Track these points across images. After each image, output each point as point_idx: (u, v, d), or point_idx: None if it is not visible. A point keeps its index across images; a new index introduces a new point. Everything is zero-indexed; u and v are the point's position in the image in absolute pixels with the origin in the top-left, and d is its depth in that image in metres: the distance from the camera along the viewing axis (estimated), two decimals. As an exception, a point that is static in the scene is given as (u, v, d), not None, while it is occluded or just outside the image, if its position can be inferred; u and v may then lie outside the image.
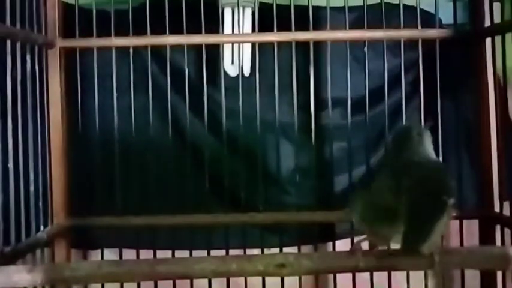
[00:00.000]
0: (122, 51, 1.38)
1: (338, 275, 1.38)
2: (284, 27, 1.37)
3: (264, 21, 1.39)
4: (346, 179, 1.42)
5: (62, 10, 1.38)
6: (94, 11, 1.37)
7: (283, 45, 1.38)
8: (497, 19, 1.29)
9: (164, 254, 1.35)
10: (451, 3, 1.39)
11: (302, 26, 1.37)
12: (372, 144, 1.42)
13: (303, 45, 1.38)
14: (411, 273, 1.36)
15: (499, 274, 1.28)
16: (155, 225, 1.38)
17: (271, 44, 1.37)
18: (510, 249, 0.84)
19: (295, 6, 1.37)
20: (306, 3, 1.37)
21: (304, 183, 1.44)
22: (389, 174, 0.85)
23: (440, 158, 1.35)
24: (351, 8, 1.38)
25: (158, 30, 1.37)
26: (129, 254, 1.40)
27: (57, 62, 1.35)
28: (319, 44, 1.40)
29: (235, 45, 1.41)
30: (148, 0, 1.37)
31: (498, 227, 1.29)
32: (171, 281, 1.37)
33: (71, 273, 0.88)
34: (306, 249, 1.45)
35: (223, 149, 1.40)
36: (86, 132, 1.39)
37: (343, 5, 1.37)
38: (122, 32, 1.37)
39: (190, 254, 1.35)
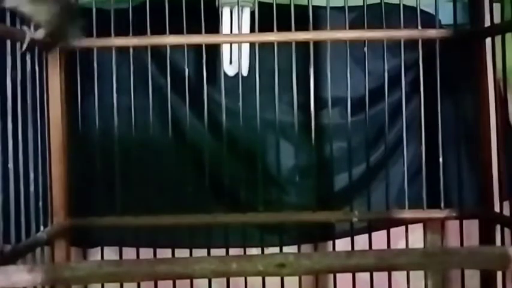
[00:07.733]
0: (122, 51, 1.38)
1: (338, 275, 1.38)
2: (283, 27, 1.37)
3: (262, 21, 1.38)
4: (346, 179, 1.42)
5: (62, 10, 1.38)
6: (94, 11, 1.37)
7: (282, 45, 1.37)
8: (497, 19, 1.29)
9: (164, 252, 1.35)
10: (451, 4, 1.39)
11: (302, 26, 1.37)
12: (372, 144, 1.42)
13: (302, 45, 1.38)
14: (411, 273, 1.36)
15: (499, 274, 1.28)
16: (155, 225, 1.38)
17: (270, 44, 1.37)
18: (510, 249, 0.84)
19: (295, 6, 1.37)
20: (306, 3, 1.37)
21: (304, 183, 1.43)
22: None
23: (441, 159, 1.36)
24: (350, 8, 1.38)
25: (158, 30, 1.37)
26: (129, 252, 1.40)
27: (57, 62, 1.35)
28: (319, 44, 1.41)
29: (234, 45, 1.41)
30: (149, 0, 1.37)
31: (498, 227, 1.29)
32: (171, 281, 1.37)
33: (71, 273, 0.88)
34: (306, 249, 1.45)
35: (222, 148, 1.40)
36: (86, 132, 1.39)
37: (343, 4, 1.37)
38: (121, 32, 1.37)
39: (190, 253, 1.35)
